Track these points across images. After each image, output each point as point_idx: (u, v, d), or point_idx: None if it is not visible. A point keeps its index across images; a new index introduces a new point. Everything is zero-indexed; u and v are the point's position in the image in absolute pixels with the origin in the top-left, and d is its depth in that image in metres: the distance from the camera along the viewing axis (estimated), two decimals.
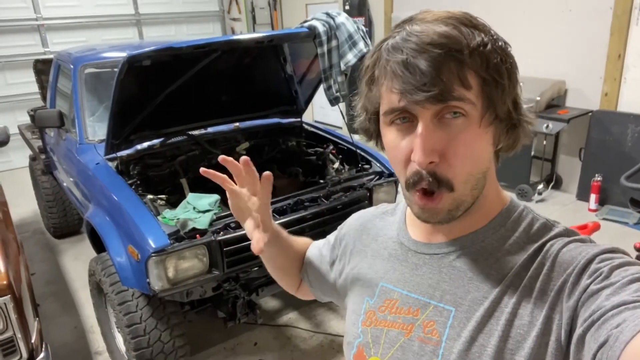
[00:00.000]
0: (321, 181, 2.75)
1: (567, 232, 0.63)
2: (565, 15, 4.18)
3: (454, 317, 0.63)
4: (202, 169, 0.80)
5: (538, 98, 4.14)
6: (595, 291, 0.53)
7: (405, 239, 0.73)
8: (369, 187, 2.58)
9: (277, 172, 3.27)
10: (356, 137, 2.95)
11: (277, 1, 7.86)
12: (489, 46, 0.56)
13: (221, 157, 0.78)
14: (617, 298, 0.50)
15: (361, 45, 2.54)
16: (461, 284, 0.64)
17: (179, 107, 2.75)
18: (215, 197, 2.36)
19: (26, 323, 1.88)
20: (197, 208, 2.27)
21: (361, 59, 2.54)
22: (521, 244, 0.63)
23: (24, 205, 4.71)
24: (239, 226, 2.21)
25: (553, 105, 4.30)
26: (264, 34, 2.45)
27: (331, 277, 0.89)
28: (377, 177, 2.67)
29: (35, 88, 4.78)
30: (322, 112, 7.11)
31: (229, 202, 0.84)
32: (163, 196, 2.49)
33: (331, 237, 0.92)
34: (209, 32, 7.75)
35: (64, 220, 4.09)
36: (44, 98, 4.48)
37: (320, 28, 2.50)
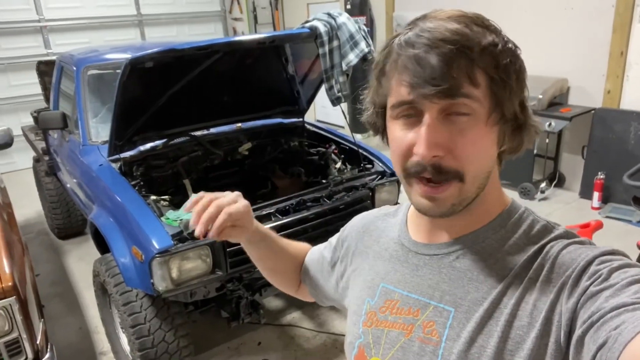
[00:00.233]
0: (323, 181, 2.76)
1: (567, 234, 0.63)
2: (567, 13, 4.17)
3: (453, 317, 0.63)
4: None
5: (540, 96, 4.14)
6: (595, 293, 0.53)
7: (406, 240, 0.74)
8: (372, 187, 2.59)
9: (280, 172, 3.28)
10: (358, 137, 2.95)
11: (278, 1, 7.86)
12: (499, 47, 0.57)
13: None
14: (616, 300, 0.50)
15: (363, 45, 2.54)
16: (461, 285, 0.65)
17: (182, 108, 2.76)
18: None
19: (31, 324, 1.89)
20: None
21: (363, 58, 2.55)
22: (521, 245, 0.63)
23: (28, 207, 4.73)
24: None
25: (555, 103, 4.29)
26: (266, 35, 2.45)
27: (332, 278, 0.89)
28: (380, 176, 2.67)
29: (38, 89, 4.80)
30: (324, 112, 7.11)
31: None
32: (166, 197, 2.50)
33: (333, 239, 0.92)
34: (210, 32, 7.76)
35: (67, 221, 4.11)
36: (47, 99, 4.50)
37: (322, 28, 2.50)
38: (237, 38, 2.48)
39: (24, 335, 1.82)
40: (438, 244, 0.69)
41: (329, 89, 2.66)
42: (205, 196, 0.78)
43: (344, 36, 2.53)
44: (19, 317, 1.81)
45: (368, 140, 6.23)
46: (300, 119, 3.30)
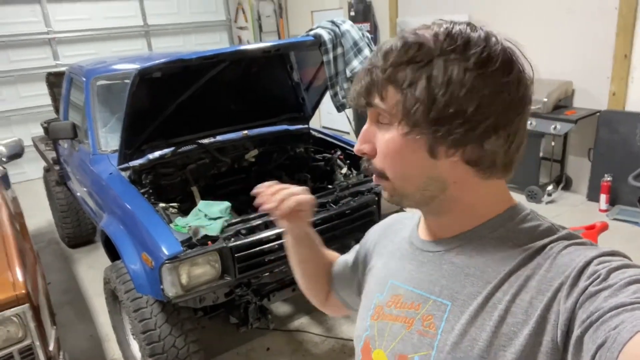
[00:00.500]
0: (329, 186, 2.78)
1: (569, 236, 0.64)
2: (570, 15, 4.18)
3: (450, 311, 0.65)
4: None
5: (545, 99, 4.14)
6: (593, 293, 0.54)
7: (414, 239, 0.77)
8: (377, 192, 2.61)
9: (286, 179, 3.30)
10: None
11: (283, 9, 7.94)
12: (414, 62, 0.61)
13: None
14: (615, 300, 0.51)
15: (366, 51, 2.57)
16: (458, 279, 0.67)
17: (189, 117, 2.80)
18: (226, 204, 2.40)
19: (44, 331, 1.92)
20: (209, 215, 2.31)
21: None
22: (522, 244, 0.64)
23: (39, 216, 4.79)
24: (249, 232, 2.25)
25: (560, 106, 4.30)
26: (271, 44, 2.49)
27: (355, 280, 0.94)
28: None
29: (47, 100, 4.87)
30: (329, 118, 7.15)
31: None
32: (175, 204, 2.53)
33: (357, 245, 0.98)
34: (216, 41, 7.84)
35: (78, 230, 4.16)
36: (56, 110, 4.56)
37: (326, 36, 2.54)
38: (242, 47, 2.52)
39: (37, 343, 1.85)
40: (439, 241, 0.72)
41: (334, 96, 2.69)
42: (276, 184, 0.91)
43: (348, 43, 2.56)
44: (32, 325, 1.84)
45: None
46: (306, 126, 3.33)
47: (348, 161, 3.02)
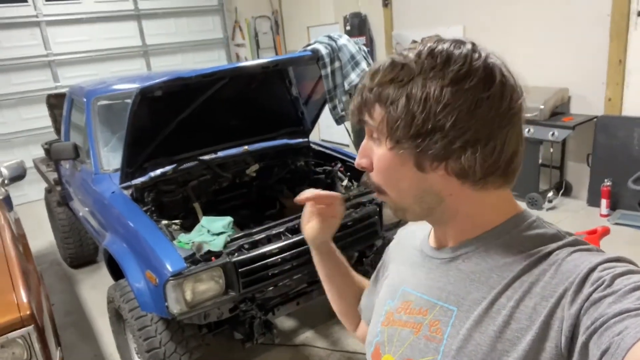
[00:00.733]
0: None
1: (575, 242, 0.64)
2: (564, 23, 4.23)
3: (455, 316, 0.67)
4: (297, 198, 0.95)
5: (542, 106, 4.18)
6: (598, 299, 0.54)
7: (424, 246, 0.79)
8: (379, 203, 2.62)
9: (287, 192, 3.32)
10: None
11: (279, 26, 8.04)
12: (396, 81, 0.65)
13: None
14: (619, 306, 0.51)
15: (363, 65, 2.61)
16: (463, 285, 0.68)
17: (190, 134, 2.82)
18: (229, 219, 2.40)
19: (49, 353, 1.91)
20: (211, 231, 2.32)
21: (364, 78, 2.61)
22: (526, 251, 0.65)
23: (40, 238, 4.79)
24: (252, 247, 2.25)
25: (557, 112, 4.33)
26: (269, 60, 2.53)
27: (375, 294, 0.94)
28: None
29: (48, 122, 4.91)
30: (329, 131, 7.18)
31: (305, 209, 0.99)
32: (177, 221, 2.54)
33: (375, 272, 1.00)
34: (214, 59, 7.91)
35: (80, 251, 4.15)
36: (57, 131, 4.59)
37: (323, 50, 2.57)
38: (241, 64, 2.56)
39: None
40: (447, 249, 0.73)
41: (333, 109, 2.72)
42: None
43: (345, 57, 2.60)
44: (37, 346, 1.83)
45: None
46: (306, 139, 3.36)
47: (348, 173, 3.03)
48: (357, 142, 2.95)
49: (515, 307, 0.61)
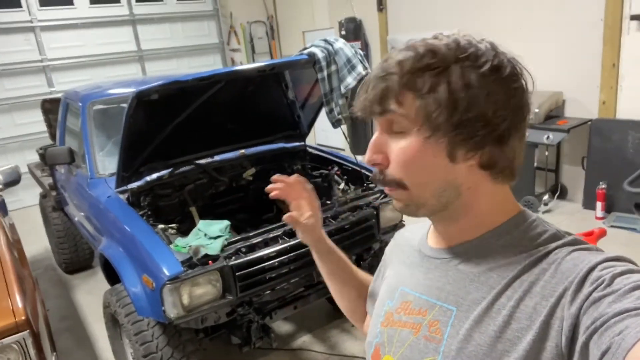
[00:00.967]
0: (328, 202, 2.79)
1: (575, 242, 0.65)
2: (558, 27, 4.27)
3: (455, 316, 0.66)
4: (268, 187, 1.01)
5: (537, 110, 4.20)
6: (597, 299, 0.54)
7: (422, 246, 0.79)
8: (376, 206, 2.62)
9: None
10: (359, 157, 3.00)
11: (274, 30, 8.06)
12: (431, 69, 0.63)
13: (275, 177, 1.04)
14: (619, 305, 0.51)
15: (360, 68, 2.61)
16: (463, 285, 0.68)
17: (186, 138, 2.81)
18: (226, 222, 2.40)
19: (44, 358, 1.89)
20: (208, 234, 2.31)
21: (360, 81, 2.62)
22: (526, 250, 0.65)
23: (35, 243, 4.75)
24: (250, 250, 2.24)
25: (552, 116, 4.36)
26: (266, 63, 2.53)
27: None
28: (383, 195, 2.70)
29: (42, 127, 4.89)
30: (325, 136, 7.20)
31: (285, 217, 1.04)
32: (174, 225, 2.53)
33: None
34: (210, 64, 7.92)
35: (75, 256, 4.13)
36: (52, 136, 4.58)
37: (320, 54, 2.58)
38: (238, 67, 2.56)
39: None
40: (447, 249, 0.73)
41: (329, 112, 2.72)
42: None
43: (342, 60, 2.60)
44: (32, 352, 1.82)
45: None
46: (302, 143, 3.36)
47: (345, 177, 3.03)
48: (354, 146, 2.96)
49: (516, 306, 0.61)
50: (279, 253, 2.27)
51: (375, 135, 0.69)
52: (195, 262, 2.09)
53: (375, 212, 2.61)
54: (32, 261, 4.44)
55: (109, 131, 3.18)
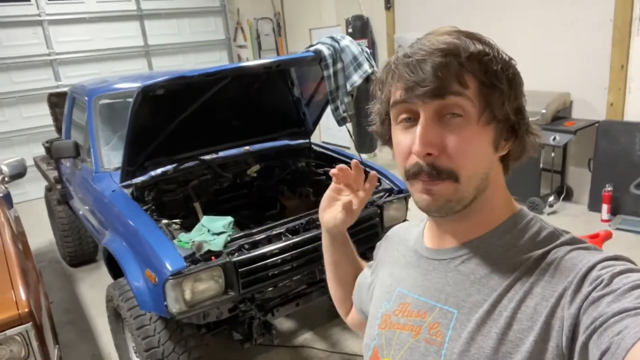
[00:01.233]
0: None
1: (573, 241, 0.64)
2: (567, 28, 4.24)
3: (456, 318, 0.66)
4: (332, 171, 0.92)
5: (544, 111, 4.18)
6: (597, 298, 0.54)
7: (419, 247, 0.77)
8: (380, 204, 2.61)
9: (288, 193, 3.31)
10: (364, 156, 2.99)
11: (281, 27, 8.05)
12: (489, 55, 0.62)
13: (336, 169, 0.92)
14: (618, 305, 0.51)
15: (366, 66, 2.60)
16: (463, 287, 0.67)
17: (191, 133, 2.81)
18: (229, 219, 2.40)
19: (47, 351, 1.90)
20: (212, 230, 2.31)
21: (366, 79, 2.61)
22: (525, 251, 0.65)
23: (40, 236, 4.78)
24: (253, 247, 2.24)
25: (559, 117, 4.33)
26: (272, 60, 2.52)
27: (369, 293, 0.93)
28: (387, 194, 2.70)
29: (49, 121, 4.91)
30: (330, 133, 7.20)
31: (327, 193, 0.95)
32: (177, 220, 2.53)
33: (372, 261, 0.99)
34: (216, 60, 7.92)
35: (79, 249, 4.15)
36: (58, 130, 4.60)
37: (326, 51, 2.57)
38: (244, 64, 2.55)
39: None
40: (446, 249, 0.72)
41: (335, 110, 2.71)
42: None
43: (348, 58, 2.59)
44: (35, 343, 1.83)
45: (374, 160, 6.28)
46: (307, 140, 3.35)
47: None
48: (359, 143, 2.95)
49: (517, 308, 0.60)
50: (282, 250, 2.27)
51: (422, 125, 0.62)
52: (198, 258, 2.09)
53: (378, 211, 2.60)
54: (36, 254, 4.47)
55: (114, 125, 3.18)
